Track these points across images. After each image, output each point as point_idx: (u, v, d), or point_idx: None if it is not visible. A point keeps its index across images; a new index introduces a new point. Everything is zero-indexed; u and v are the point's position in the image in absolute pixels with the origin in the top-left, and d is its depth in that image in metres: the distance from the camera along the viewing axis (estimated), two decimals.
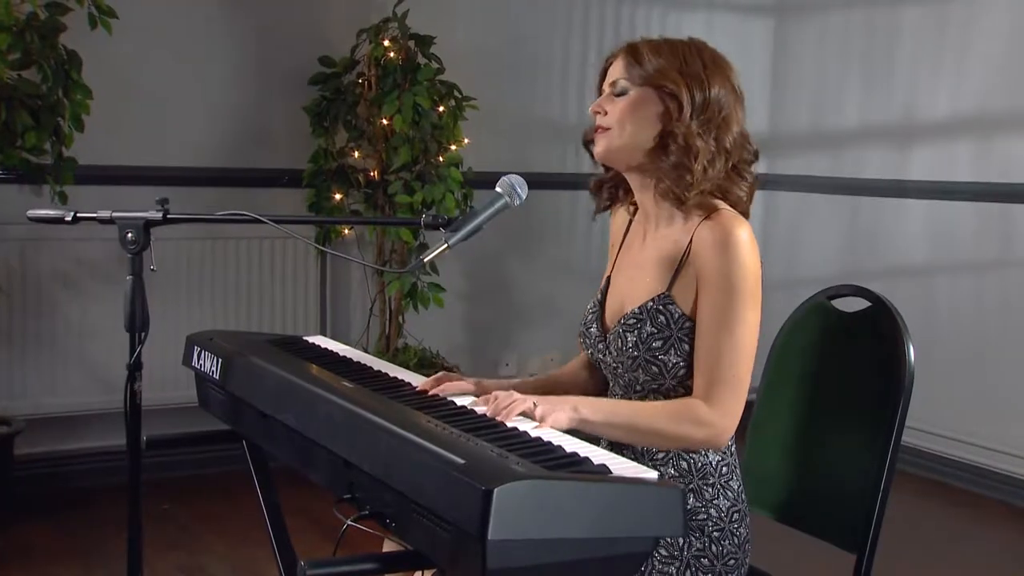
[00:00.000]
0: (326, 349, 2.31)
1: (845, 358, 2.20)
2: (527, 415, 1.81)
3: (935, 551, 4.01)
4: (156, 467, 4.35)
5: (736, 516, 2.01)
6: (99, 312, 4.34)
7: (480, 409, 1.86)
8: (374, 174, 4.53)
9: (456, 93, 4.55)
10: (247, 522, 4.07)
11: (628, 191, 2.18)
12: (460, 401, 1.91)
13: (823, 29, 5.46)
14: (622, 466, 1.56)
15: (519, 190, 2.01)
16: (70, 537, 3.90)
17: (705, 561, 1.96)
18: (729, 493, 2.02)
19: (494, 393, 1.86)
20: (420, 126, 4.37)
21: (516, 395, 1.84)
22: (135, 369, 2.11)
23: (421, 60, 4.49)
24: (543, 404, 1.83)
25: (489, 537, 1.39)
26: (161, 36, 4.43)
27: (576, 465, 1.56)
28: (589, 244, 5.33)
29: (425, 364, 4.44)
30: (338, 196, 4.47)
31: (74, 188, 4.05)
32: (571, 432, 1.81)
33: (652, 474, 1.55)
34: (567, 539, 1.46)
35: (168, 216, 2.11)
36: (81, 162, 4.06)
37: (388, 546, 2.09)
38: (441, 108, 4.47)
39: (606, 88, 2.09)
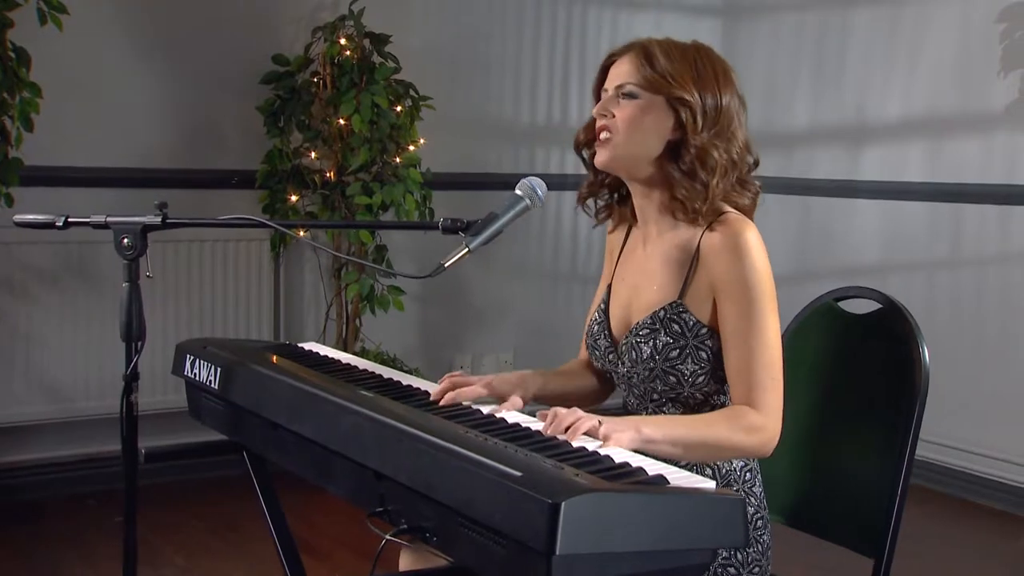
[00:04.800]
0: (327, 356, 2.23)
1: (855, 361, 2.19)
2: (591, 434, 1.73)
3: (934, 557, 4.02)
4: (105, 478, 4.24)
5: (760, 523, 1.99)
6: (45, 319, 4.21)
7: (509, 417, 1.80)
8: (330, 175, 4.44)
9: (413, 93, 4.49)
10: (206, 533, 3.97)
11: (622, 197, 2.13)
12: (486, 409, 1.86)
13: (772, 30, 5.50)
14: (677, 476, 1.52)
15: (539, 192, 1.95)
16: (21, 553, 3.75)
17: (731, 569, 1.94)
18: (753, 500, 1.99)
19: (554, 410, 1.77)
20: (378, 126, 4.30)
21: (579, 412, 1.75)
22: (132, 379, 2.02)
23: (376, 59, 4.42)
24: (606, 423, 1.75)
25: (557, 552, 1.34)
26: (111, 33, 4.29)
27: (631, 475, 1.51)
28: (543, 245, 5.31)
29: None
30: (294, 198, 4.37)
31: (19, 190, 3.90)
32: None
33: (709, 483, 1.51)
34: (629, 552, 1.41)
35: (168, 220, 2.03)
36: (26, 163, 3.90)
37: (405, 560, 2.03)
38: (398, 108, 4.40)
39: (609, 89, 2.01)
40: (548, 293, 5.35)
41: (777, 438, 1.90)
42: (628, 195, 2.10)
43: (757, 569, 1.96)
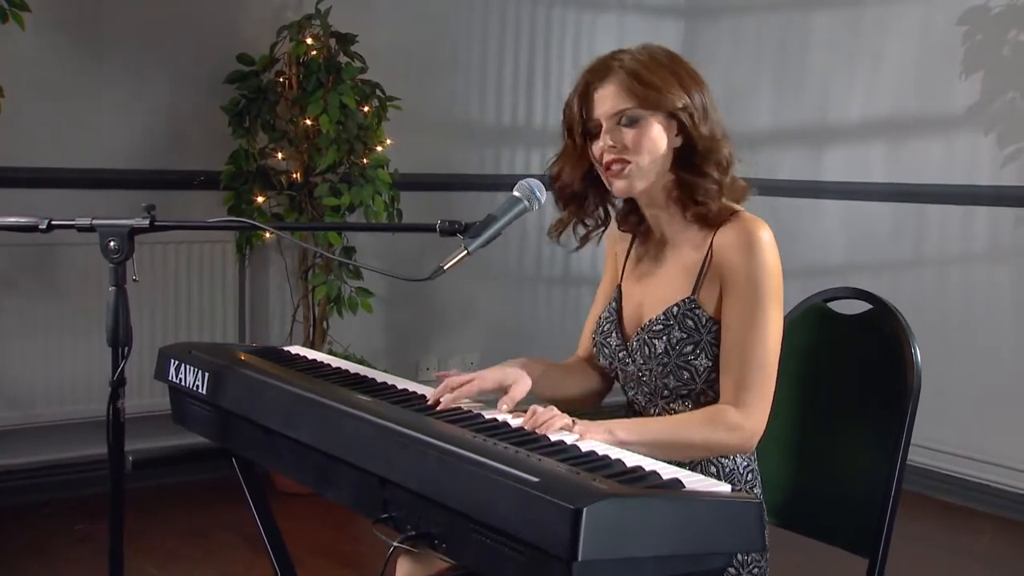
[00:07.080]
0: (316, 360, 2.20)
1: (846, 361, 2.19)
2: (566, 431, 1.75)
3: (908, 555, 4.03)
4: (65, 485, 4.17)
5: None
6: (2, 324, 4.11)
7: (513, 421, 1.79)
8: (296, 176, 4.39)
9: (379, 93, 4.45)
10: (174, 538, 3.91)
11: (631, 209, 2.11)
12: (487, 413, 1.84)
13: (735, 32, 5.53)
14: (691, 479, 1.51)
15: (538, 193, 1.94)
16: None
17: (731, 569, 1.93)
18: None
19: (532, 408, 1.80)
20: (345, 127, 4.26)
21: (555, 410, 1.78)
22: (118, 385, 1.98)
23: (343, 59, 4.38)
24: (579, 423, 1.77)
25: (580, 558, 1.32)
26: (73, 32, 4.21)
27: (647, 479, 1.50)
28: (508, 247, 5.28)
29: None
30: (260, 199, 4.32)
31: None
32: None
33: (725, 487, 1.50)
34: (648, 557, 1.40)
35: (156, 223, 1.99)
36: None
37: (403, 567, 2.00)
38: (366, 108, 4.36)
39: (602, 120, 1.97)
40: (513, 295, 5.33)
41: (759, 435, 1.92)
42: (633, 207, 2.10)
43: (756, 569, 1.96)
